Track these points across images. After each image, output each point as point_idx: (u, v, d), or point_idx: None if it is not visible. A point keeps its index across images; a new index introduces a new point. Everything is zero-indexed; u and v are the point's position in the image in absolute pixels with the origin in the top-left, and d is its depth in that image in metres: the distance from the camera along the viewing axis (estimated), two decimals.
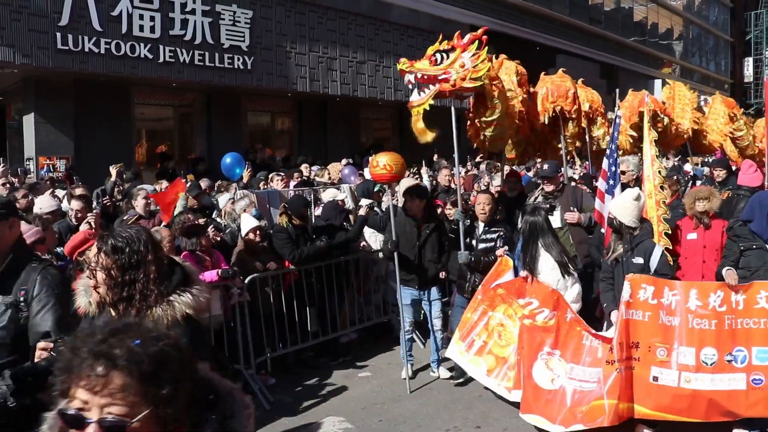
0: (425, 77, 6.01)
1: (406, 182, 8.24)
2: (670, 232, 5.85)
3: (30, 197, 7.52)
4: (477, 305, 5.80)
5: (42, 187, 9.24)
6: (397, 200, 7.75)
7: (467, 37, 6.21)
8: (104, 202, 8.09)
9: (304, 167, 11.55)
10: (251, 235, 6.69)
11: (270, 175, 10.49)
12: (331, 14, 15.36)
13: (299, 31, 14.96)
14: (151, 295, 2.39)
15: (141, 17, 12.36)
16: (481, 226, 6.56)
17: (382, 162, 6.23)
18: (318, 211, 8.40)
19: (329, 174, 10.92)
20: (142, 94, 14.14)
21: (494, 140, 6.94)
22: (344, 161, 11.98)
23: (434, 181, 10.45)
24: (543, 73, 8.27)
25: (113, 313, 2.48)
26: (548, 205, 6.65)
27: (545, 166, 7.09)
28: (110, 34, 11.99)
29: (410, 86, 6.08)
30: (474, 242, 6.57)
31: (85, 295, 2.57)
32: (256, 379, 6.29)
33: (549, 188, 6.82)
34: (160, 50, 12.55)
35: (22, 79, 12.55)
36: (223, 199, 8.75)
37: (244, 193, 8.52)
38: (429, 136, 6.19)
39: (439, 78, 6.01)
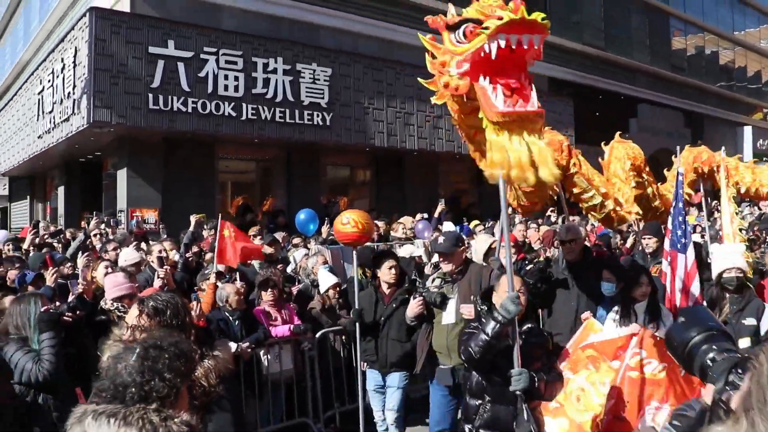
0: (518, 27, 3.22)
1: (484, 240, 7.39)
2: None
3: (119, 250, 7.95)
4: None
5: (128, 239, 9.76)
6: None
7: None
8: (187, 256, 8.42)
9: (380, 223, 11.70)
10: (331, 292, 6.88)
11: None
12: (408, 70, 15.70)
13: (377, 87, 15.36)
14: (196, 354, 2.52)
15: (226, 77, 13.01)
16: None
17: (347, 218, 5.41)
18: None
19: (404, 227, 11.03)
20: (225, 150, 14.76)
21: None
22: (419, 216, 12.09)
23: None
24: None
25: None
26: (439, 296, 5.16)
27: (440, 239, 5.41)
28: (197, 94, 12.66)
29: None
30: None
31: None
32: None
33: (447, 267, 5.20)
34: (243, 108, 13.13)
35: (117, 137, 13.35)
36: (299, 255, 9.00)
37: (317, 249, 8.75)
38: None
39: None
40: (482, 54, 3.29)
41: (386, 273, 5.74)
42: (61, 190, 17.70)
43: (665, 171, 8.66)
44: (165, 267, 6.62)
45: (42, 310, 4.07)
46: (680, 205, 6.26)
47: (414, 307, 5.28)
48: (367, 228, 5.44)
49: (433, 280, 5.42)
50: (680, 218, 6.13)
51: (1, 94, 27.19)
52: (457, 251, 5.17)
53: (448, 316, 5.07)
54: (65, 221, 16.47)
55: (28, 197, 22.63)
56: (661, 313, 5.08)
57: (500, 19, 3.16)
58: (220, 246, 6.91)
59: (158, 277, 6.29)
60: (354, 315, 5.56)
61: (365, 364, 5.76)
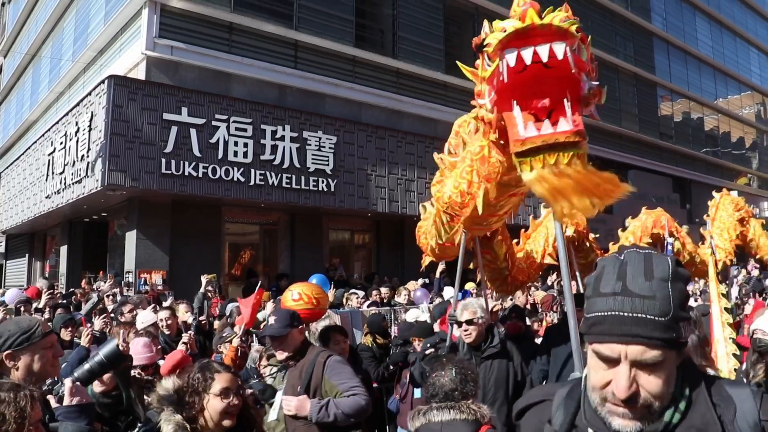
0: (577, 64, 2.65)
1: (471, 304, 7.37)
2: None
3: (135, 312, 8.19)
4: None
5: (143, 302, 10.00)
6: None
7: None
8: (200, 320, 8.67)
9: (384, 289, 11.97)
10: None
11: (346, 294, 10.99)
12: (409, 138, 16.29)
13: (379, 155, 15.86)
14: None
15: (236, 144, 13.46)
16: None
17: (297, 292, 4.86)
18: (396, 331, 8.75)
19: (408, 292, 11.32)
20: (231, 213, 15.12)
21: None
22: (420, 281, 12.40)
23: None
24: None
25: None
26: (267, 388, 4.23)
27: (271, 320, 4.21)
28: (208, 159, 13.08)
29: (516, 69, 2.65)
30: None
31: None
32: None
33: (281, 355, 4.09)
34: (251, 174, 13.55)
35: (128, 200, 13.70)
36: None
37: (327, 313, 9.02)
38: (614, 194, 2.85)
39: (582, 81, 2.83)
40: (501, 77, 2.70)
41: (333, 350, 4.79)
42: (63, 249, 17.91)
43: (619, 231, 8.74)
44: (189, 332, 6.89)
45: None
46: None
47: None
48: (321, 303, 4.90)
49: (271, 368, 4.39)
50: None
51: (2, 153, 27.60)
52: (291, 333, 4.05)
53: (272, 413, 4.01)
54: (66, 280, 16.66)
55: (27, 255, 22.78)
56: None
57: (504, 31, 2.61)
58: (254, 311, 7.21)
59: (182, 342, 6.55)
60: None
61: None
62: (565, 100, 2.77)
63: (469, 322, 4.82)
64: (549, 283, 14.15)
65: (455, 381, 3.03)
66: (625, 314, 1.31)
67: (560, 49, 2.54)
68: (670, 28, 29.95)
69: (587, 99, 2.95)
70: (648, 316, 1.30)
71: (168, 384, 2.82)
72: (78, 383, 2.73)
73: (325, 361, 3.93)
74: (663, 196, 27.52)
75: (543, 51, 2.54)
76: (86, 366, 2.85)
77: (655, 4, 29.40)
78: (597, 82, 2.97)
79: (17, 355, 2.75)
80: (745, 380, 4.51)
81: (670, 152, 28.89)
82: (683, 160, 29.74)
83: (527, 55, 2.56)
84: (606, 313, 1.34)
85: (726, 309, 6.31)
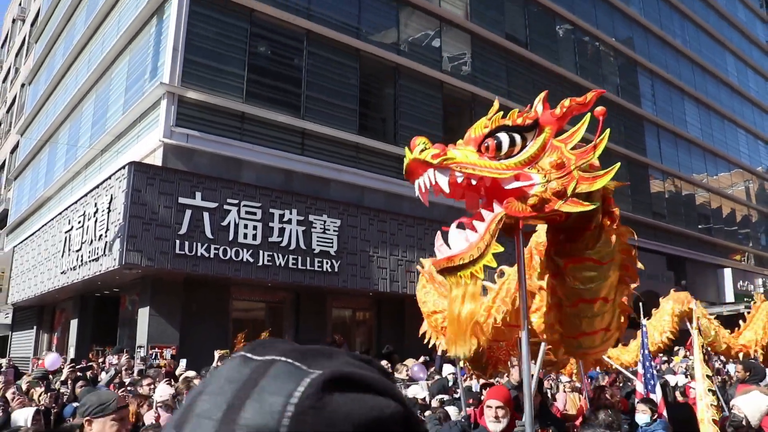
0: (470, 182, 3.03)
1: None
2: None
3: (154, 385, 8.81)
4: None
5: (159, 375, 10.60)
6: None
7: (564, 104, 3.26)
8: None
9: (383, 363, 12.55)
10: None
11: None
12: (409, 221, 17.11)
13: (381, 237, 16.67)
14: None
15: (245, 226, 14.28)
16: None
17: None
18: None
19: (407, 370, 11.85)
20: (239, 292, 15.82)
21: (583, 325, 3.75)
22: (422, 359, 12.95)
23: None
24: None
25: None
26: None
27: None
28: (219, 241, 13.86)
29: (423, 197, 3.12)
30: None
31: None
32: None
33: None
34: (260, 255, 14.31)
35: (141, 278, 14.41)
36: None
37: None
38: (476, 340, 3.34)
39: (507, 186, 3.05)
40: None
41: None
42: (74, 322, 18.43)
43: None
44: None
45: None
46: (647, 351, 7.34)
47: None
48: None
49: None
50: (647, 363, 7.22)
51: (14, 226, 28.33)
52: None
53: None
54: (75, 353, 17.14)
55: (34, 327, 23.20)
56: None
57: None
58: None
59: None
60: None
61: None
62: (481, 222, 3.08)
63: None
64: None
65: (603, 424, 4.67)
66: None
67: (430, 177, 2.99)
68: (659, 111, 31.06)
69: (535, 199, 3.09)
70: None
71: None
72: None
73: None
74: (658, 275, 28.06)
75: (422, 181, 3.01)
76: None
77: (645, 90, 30.61)
78: (559, 178, 3.12)
79: (92, 421, 3.34)
80: None
81: (663, 231, 29.49)
82: (677, 238, 30.33)
83: (419, 183, 3.05)
84: None
85: (707, 376, 6.99)
